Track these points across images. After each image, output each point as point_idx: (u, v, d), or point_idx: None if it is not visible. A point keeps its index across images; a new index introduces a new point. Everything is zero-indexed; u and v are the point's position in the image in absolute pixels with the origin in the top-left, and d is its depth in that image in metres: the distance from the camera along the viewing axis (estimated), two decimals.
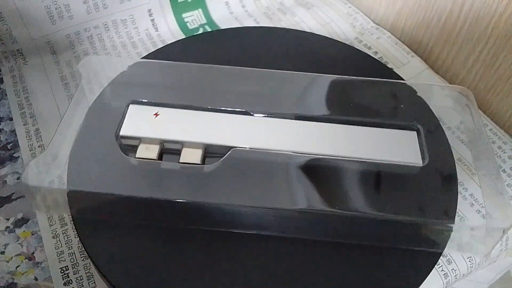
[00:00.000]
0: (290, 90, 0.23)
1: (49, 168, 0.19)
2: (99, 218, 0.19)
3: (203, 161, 0.20)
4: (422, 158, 0.20)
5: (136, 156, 0.20)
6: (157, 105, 0.21)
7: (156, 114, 0.21)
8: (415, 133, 0.21)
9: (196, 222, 0.18)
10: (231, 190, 0.19)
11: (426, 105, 0.23)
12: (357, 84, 0.23)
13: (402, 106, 0.22)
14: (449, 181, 0.20)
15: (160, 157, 0.20)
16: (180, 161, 0.20)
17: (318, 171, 0.19)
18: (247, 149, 0.20)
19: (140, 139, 0.20)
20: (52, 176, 0.19)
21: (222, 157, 0.19)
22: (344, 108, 0.22)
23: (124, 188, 0.19)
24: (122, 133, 0.20)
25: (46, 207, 0.19)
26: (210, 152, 0.20)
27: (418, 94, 0.23)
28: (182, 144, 0.20)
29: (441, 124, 0.22)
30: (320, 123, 0.21)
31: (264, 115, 0.21)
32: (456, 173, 0.20)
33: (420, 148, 0.20)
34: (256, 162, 0.19)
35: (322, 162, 0.20)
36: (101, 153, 0.20)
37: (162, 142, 0.20)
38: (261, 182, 0.19)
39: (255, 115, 0.21)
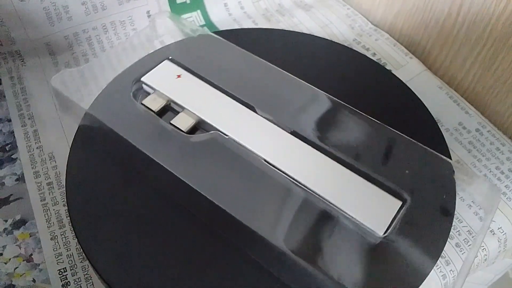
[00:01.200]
0: (303, 104, 0.22)
1: (78, 86, 0.21)
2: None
3: (191, 132, 0.21)
4: (385, 230, 0.18)
5: (141, 102, 0.21)
6: (186, 69, 0.23)
7: (179, 76, 0.22)
8: (400, 203, 0.19)
9: (167, 188, 0.19)
10: (194, 169, 0.19)
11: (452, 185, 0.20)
12: (376, 128, 0.21)
13: (407, 172, 0.20)
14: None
15: (161, 112, 0.21)
16: (171, 122, 0.21)
17: (278, 191, 0.19)
18: (227, 137, 0.20)
19: (154, 90, 0.22)
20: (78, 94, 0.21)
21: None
22: (346, 145, 0.20)
23: (123, 128, 0.20)
24: (143, 78, 0.22)
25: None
26: (202, 127, 0.21)
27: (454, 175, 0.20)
28: (182, 109, 0.21)
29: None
30: (312, 149, 0.20)
31: (265, 117, 0.21)
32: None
33: (392, 220, 0.18)
34: (228, 152, 0.20)
35: (287, 184, 0.19)
36: (118, 93, 0.22)
37: (168, 100, 0.21)
38: (221, 173, 0.19)
39: (258, 113, 0.21)
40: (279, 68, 0.23)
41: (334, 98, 0.22)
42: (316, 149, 0.20)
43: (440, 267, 0.21)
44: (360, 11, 0.34)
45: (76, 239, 0.19)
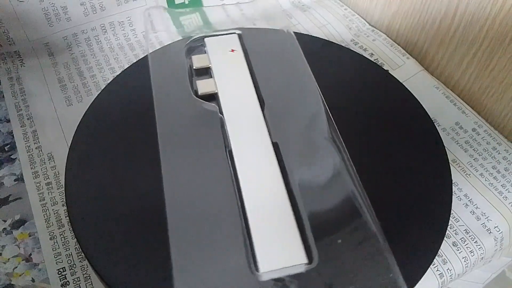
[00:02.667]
0: (303, 123, 0.21)
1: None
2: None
3: (205, 99, 0.21)
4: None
5: (191, 56, 0.23)
6: (243, 50, 0.23)
7: (232, 50, 0.23)
8: None
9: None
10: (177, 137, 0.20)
11: None
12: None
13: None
14: None
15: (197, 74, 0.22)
16: (196, 81, 0.22)
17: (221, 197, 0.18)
18: (220, 116, 0.20)
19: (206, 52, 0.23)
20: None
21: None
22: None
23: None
24: (206, 39, 0.23)
25: None
26: (215, 101, 0.22)
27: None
28: (212, 77, 0.22)
29: None
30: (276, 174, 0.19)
31: (265, 117, 0.21)
32: None
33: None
34: (213, 131, 0.20)
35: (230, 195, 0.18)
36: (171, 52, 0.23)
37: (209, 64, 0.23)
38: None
39: (264, 111, 0.21)
40: (313, 78, 0.23)
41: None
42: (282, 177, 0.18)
43: (437, 266, 0.21)
44: (357, 12, 0.35)
45: (75, 239, 0.19)
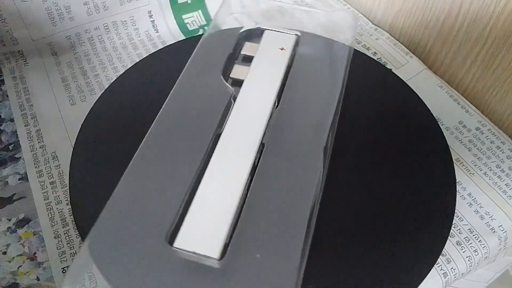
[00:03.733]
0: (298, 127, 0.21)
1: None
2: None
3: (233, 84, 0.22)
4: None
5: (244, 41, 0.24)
6: (293, 51, 0.23)
7: (282, 49, 0.23)
8: None
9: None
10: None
11: None
12: None
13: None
14: None
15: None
16: (235, 62, 0.23)
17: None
18: (232, 103, 0.20)
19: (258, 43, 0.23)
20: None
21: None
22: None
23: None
24: (266, 30, 0.23)
25: None
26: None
27: None
28: (249, 66, 0.22)
29: None
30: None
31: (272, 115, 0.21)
32: None
33: None
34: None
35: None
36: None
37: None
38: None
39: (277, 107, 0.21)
40: (339, 93, 0.22)
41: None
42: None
43: (441, 265, 0.21)
44: (360, 11, 0.34)
45: (80, 238, 0.19)
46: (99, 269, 0.16)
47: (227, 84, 0.21)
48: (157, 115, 0.20)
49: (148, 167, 0.18)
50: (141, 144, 0.19)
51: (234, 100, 0.21)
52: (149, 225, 0.17)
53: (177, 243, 0.16)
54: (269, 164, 0.18)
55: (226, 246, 0.16)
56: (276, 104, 0.21)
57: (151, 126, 0.19)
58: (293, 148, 0.19)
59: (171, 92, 0.21)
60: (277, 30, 0.24)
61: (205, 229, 0.16)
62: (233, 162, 0.18)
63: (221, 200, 0.17)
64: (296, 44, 0.23)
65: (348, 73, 0.23)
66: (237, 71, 0.22)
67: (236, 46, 0.23)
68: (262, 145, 0.19)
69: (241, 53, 0.23)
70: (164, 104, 0.20)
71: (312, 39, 0.24)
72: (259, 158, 0.19)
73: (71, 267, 0.16)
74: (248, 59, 0.23)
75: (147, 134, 0.19)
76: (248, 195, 0.18)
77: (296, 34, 0.23)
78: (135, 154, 0.19)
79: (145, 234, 0.17)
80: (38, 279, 0.20)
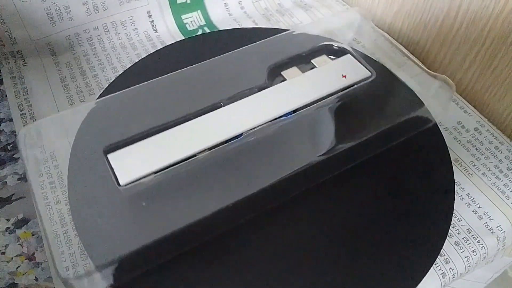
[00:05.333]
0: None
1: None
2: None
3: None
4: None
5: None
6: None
7: (344, 76, 0.22)
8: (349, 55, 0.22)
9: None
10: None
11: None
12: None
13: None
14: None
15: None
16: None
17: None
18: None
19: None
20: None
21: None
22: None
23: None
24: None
25: None
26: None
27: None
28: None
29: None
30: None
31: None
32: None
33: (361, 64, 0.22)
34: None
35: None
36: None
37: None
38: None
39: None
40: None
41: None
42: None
43: (440, 265, 0.21)
44: (359, 11, 0.34)
45: (78, 238, 0.19)
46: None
47: (266, 76, 0.22)
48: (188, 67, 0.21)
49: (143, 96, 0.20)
50: (158, 79, 0.21)
51: (259, 90, 0.21)
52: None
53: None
54: (221, 151, 0.19)
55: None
56: (291, 112, 0.21)
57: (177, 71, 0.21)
58: (252, 155, 0.20)
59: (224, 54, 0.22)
60: (358, 59, 0.23)
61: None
62: (203, 131, 0.19)
63: (171, 150, 0.19)
64: (363, 80, 0.22)
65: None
66: (291, 73, 0.22)
67: (311, 53, 0.23)
68: (240, 135, 0.20)
69: (311, 61, 0.23)
70: (207, 61, 0.22)
71: (383, 85, 0.24)
72: (224, 143, 0.19)
73: None
74: (311, 68, 0.23)
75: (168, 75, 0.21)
76: (190, 162, 0.19)
77: (370, 73, 0.23)
78: (142, 84, 0.21)
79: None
80: (36, 279, 0.20)
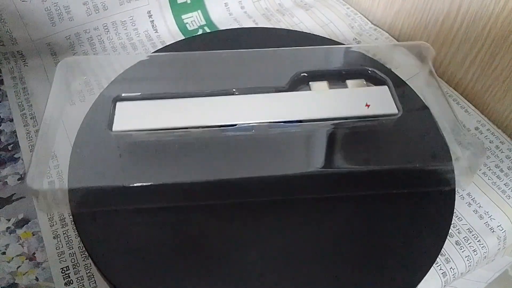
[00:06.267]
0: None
1: (48, 169, 0.20)
2: (100, 209, 0.19)
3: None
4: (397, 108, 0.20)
5: None
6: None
7: (367, 105, 0.22)
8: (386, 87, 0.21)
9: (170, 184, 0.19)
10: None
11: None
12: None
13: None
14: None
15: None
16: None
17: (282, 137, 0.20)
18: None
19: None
20: (52, 177, 0.20)
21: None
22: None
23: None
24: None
25: (49, 206, 0.19)
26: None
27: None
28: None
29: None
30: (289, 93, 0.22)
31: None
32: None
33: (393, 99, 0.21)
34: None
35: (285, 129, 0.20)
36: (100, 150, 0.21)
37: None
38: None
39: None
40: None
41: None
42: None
43: (440, 265, 0.21)
44: (359, 11, 0.34)
45: (79, 238, 0.19)
46: None
47: (290, 80, 0.22)
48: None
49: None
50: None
51: (276, 91, 0.22)
52: None
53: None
54: (213, 133, 0.20)
55: None
56: (295, 121, 0.21)
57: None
58: (239, 146, 0.20)
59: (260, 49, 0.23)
60: (393, 93, 0.22)
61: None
62: (205, 110, 0.21)
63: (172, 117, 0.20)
64: (386, 116, 0.21)
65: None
66: (318, 85, 0.22)
67: (351, 73, 0.23)
68: (234, 125, 0.20)
69: (346, 80, 0.23)
70: (244, 50, 0.23)
71: (408, 127, 0.22)
72: (218, 128, 0.20)
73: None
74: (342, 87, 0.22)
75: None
76: (181, 133, 0.20)
77: (397, 110, 0.21)
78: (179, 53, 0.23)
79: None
80: (37, 279, 0.20)
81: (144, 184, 0.18)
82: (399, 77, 0.23)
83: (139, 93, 0.22)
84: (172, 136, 0.20)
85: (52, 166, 0.24)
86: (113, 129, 0.20)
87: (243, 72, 0.23)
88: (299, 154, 0.20)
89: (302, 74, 0.23)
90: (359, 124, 0.21)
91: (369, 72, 0.23)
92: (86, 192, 0.19)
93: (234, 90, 0.22)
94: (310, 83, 0.22)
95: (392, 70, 0.24)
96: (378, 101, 0.21)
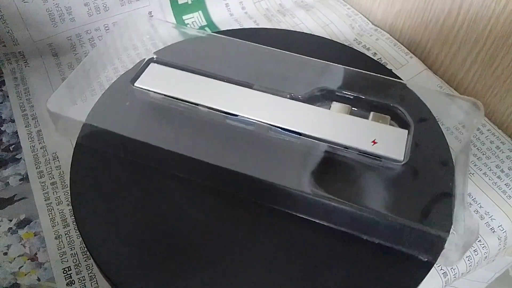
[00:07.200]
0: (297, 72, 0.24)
1: (74, 101, 0.23)
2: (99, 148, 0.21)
3: None
4: (404, 156, 0.19)
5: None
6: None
7: (374, 142, 0.20)
8: (405, 131, 0.20)
9: (171, 184, 0.20)
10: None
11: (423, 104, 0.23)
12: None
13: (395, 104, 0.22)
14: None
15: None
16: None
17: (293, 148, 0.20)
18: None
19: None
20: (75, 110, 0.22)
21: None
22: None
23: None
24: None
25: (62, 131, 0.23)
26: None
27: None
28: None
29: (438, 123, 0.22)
30: (312, 106, 0.22)
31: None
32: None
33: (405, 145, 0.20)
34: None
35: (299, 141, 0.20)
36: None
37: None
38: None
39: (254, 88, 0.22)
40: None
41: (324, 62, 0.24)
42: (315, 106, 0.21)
43: (441, 264, 0.21)
44: (360, 11, 0.35)
45: (81, 238, 0.19)
46: None
47: (311, 92, 0.22)
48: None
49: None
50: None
51: (291, 99, 0.22)
52: None
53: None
54: (216, 116, 0.21)
55: None
56: (297, 133, 0.21)
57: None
58: (233, 136, 0.21)
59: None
60: (408, 139, 0.20)
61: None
62: (217, 93, 0.22)
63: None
64: (388, 160, 0.20)
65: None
66: (339, 107, 0.22)
67: (383, 106, 0.22)
68: (236, 115, 0.21)
69: (371, 112, 0.21)
70: (278, 50, 0.24)
71: (409, 178, 0.20)
72: (222, 113, 0.21)
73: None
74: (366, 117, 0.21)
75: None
76: (193, 108, 0.21)
77: (403, 158, 0.20)
78: (217, 35, 0.25)
79: None
80: (39, 279, 0.20)
81: (142, 140, 0.20)
82: (435, 123, 0.22)
83: (172, 62, 0.24)
84: (181, 108, 0.22)
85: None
86: (135, 84, 0.22)
87: (273, 71, 0.23)
88: (288, 167, 0.20)
89: (327, 91, 0.22)
90: (357, 157, 0.20)
91: (400, 113, 0.22)
92: (93, 130, 0.21)
93: (253, 85, 0.22)
94: (333, 101, 0.22)
95: (437, 119, 0.22)
96: (389, 142, 0.20)
